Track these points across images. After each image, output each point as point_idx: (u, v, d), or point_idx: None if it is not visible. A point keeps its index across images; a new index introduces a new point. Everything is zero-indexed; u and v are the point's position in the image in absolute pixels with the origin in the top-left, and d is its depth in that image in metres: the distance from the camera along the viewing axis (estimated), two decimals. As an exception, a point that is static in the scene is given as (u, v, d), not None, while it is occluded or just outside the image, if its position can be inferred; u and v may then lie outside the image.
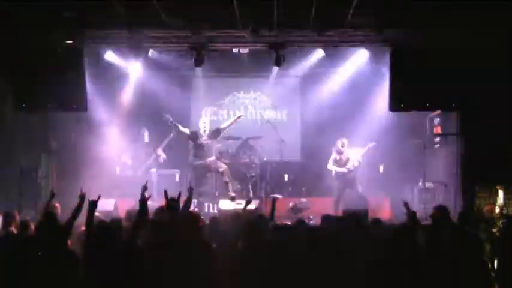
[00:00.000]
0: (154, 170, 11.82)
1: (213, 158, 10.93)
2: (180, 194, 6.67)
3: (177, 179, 12.29)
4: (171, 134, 11.75)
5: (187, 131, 10.86)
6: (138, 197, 5.86)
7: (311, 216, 10.28)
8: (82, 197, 5.81)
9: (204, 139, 10.74)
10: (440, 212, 6.30)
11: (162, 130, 11.94)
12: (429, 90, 10.02)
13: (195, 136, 10.75)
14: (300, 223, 6.41)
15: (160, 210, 6.46)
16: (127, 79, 12.70)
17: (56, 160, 12.21)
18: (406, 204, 6.20)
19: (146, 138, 11.95)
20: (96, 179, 11.67)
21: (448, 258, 5.46)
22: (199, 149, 10.73)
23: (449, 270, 5.37)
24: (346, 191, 11.15)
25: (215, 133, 10.90)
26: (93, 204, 5.47)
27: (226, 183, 10.79)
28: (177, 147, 12.74)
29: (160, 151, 11.84)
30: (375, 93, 12.37)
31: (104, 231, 5.17)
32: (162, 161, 11.90)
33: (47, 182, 12.00)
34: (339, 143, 11.19)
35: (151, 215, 6.21)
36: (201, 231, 5.73)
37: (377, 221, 6.53)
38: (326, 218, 6.62)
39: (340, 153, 11.19)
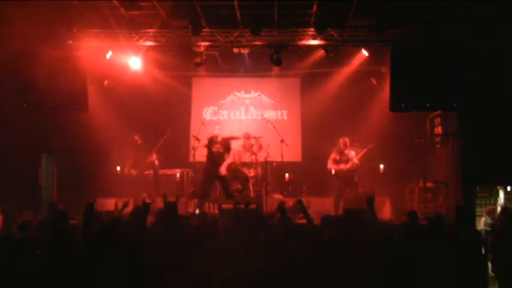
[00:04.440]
0: (151, 171, 11.81)
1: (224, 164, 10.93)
2: (179, 196, 6.67)
3: (178, 178, 12.28)
4: (167, 133, 11.80)
5: (205, 142, 10.95)
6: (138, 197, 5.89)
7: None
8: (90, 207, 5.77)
9: (217, 147, 10.80)
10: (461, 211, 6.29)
11: (159, 130, 12.00)
12: (429, 90, 10.02)
13: (210, 144, 10.82)
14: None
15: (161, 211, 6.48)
16: (127, 79, 12.68)
17: (57, 160, 12.21)
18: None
19: (139, 141, 11.93)
20: (96, 179, 11.74)
21: (448, 256, 5.46)
22: (213, 156, 10.77)
23: (449, 270, 5.37)
24: (347, 191, 11.12)
25: (227, 147, 10.96)
26: (91, 207, 5.50)
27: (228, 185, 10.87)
28: (177, 147, 12.77)
29: (154, 155, 11.85)
30: (375, 93, 12.37)
31: (107, 233, 5.17)
32: (157, 163, 11.92)
33: (47, 182, 12.02)
34: (341, 142, 11.13)
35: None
36: (200, 232, 5.74)
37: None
38: (326, 219, 6.61)
39: (341, 152, 11.14)
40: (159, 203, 8.53)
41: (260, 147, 12.10)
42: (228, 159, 10.93)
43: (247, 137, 12.45)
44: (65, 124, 11.91)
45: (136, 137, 11.89)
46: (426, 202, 11.05)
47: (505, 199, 9.81)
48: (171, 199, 6.53)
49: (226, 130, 13.16)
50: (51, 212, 7.89)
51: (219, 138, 10.87)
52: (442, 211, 10.39)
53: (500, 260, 6.11)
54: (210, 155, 10.81)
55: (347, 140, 11.15)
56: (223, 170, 10.77)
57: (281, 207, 6.73)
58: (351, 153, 11.11)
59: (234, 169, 11.54)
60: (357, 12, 9.74)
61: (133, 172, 11.68)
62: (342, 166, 11.06)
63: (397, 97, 10.32)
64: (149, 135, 12.18)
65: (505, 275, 6.00)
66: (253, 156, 12.19)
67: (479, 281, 5.52)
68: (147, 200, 6.54)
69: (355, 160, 11.02)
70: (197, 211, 10.38)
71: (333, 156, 11.22)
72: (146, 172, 11.82)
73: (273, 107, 13.94)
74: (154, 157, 11.91)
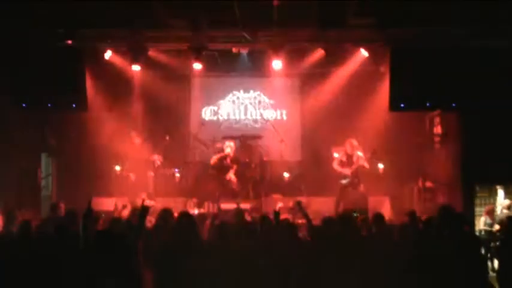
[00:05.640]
0: (151, 173, 11.79)
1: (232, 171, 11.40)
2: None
3: (177, 178, 12.27)
4: (166, 139, 11.87)
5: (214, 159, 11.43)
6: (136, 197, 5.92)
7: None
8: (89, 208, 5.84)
9: (228, 162, 11.34)
10: (444, 211, 6.27)
11: (159, 130, 12.02)
12: (429, 90, 10.04)
13: (220, 159, 11.38)
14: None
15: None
16: (127, 79, 12.68)
17: (56, 160, 12.20)
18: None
19: (136, 140, 11.92)
20: (95, 179, 11.73)
21: (447, 258, 5.47)
22: (222, 164, 11.33)
23: (448, 270, 5.38)
24: (348, 191, 11.06)
25: (237, 162, 11.50)
26: (90, 209, 5.56)
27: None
28: (177, 147, 12.76)
29: (155, 156, 11.85)
30: (374, 93, 12.36)
31: (106, 234, 5.19)
32: (159, 163, 11.91)
33: (47, 182, 12.01)
34: (348, 144, 11.07)
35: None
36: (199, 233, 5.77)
37: (379, 217, 6.60)
38: (326, 219, 6.63)
39: (347, 154, 11.05)
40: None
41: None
42: (234, 168, 11.42)
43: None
44: (65, 124, 11.92)
45: (137, 137, 11.89)
46: (426, 202, 11.04)
47: (505, 199, 9.83)
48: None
49: (225, 130, 13.24)
50: (53, 213, 7.92)
51: (231, 155, 11.43)
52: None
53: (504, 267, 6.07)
54: (220, 162, 11.31)
55: (354, 141, 11.03)
56: (230, 176, 11.24)
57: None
58: (357, 154, 10.97)
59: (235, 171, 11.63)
60: (357, 12, 9.74)
61: (133, 175, 11.64)
62: (347, 171, 10.93)
63: (397, 97, 10.34)
64: (149, 135, 12.18)
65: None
66: (253, 156, 12.21)
67: (479, 281, 5.52)
68: (146, 203, 6.60)
69: (363, 163, 10.87)
70: (196, 211, 10.41)
71: (339, 157, 11.11)
72: (147, 174, 11.80)
73: (273, 106, 13.92)
74: (155, 158, 11.89)
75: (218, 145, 11.95)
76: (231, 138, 12.37)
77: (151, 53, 11.35)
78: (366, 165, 10.85)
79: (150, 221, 6.90)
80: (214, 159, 11.43)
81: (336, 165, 11.12)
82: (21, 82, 10.37)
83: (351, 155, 10.96)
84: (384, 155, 11.62)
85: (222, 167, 11.35)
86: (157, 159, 11.81)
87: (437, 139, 12.13)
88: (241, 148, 12.45)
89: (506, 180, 9.82)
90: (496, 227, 8.66)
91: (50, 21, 9.90)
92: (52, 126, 11.87)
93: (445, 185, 11.15)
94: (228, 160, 11.41)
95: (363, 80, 12.55)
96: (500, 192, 9.99)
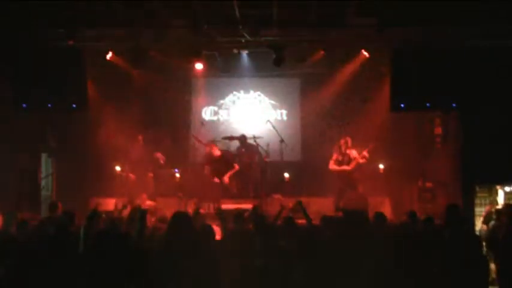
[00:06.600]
0: (151, 174, 11.79)
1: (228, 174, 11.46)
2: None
3: (177, 179, 12.27)
4: (167, 142, 11.93)
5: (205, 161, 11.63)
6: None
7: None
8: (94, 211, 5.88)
9: (219, 165, 11.44)
10: (451, 210, 6.26)
11: (159, 130, 12.03)
12: (429, 90, 10.05)
13: (212, 162, 11.43)
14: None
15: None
16: (127, 79, 12.68)
17: (56, 160, 12.20)
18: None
19: (141, 142, 11.95)
20: (96, 179, 11.73)
21: (448, 257, 5.47)
22: (215, 166, 11.41)
23: (448, 270, 5.38)
24: (346, 191, 11.09)
25: (229, 163, 11.58)
26: (95, 213, 5.57)
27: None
28: (177, 147, 12.76)
29: (159, 154, 11.86)
30: (375, 93, 12.36)
31: (106, 234, 5.19)
32: (162, 162, 11.92)
33: (47, 182, 12.01)
34: (342, 142, 11.09)
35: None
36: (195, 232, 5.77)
37: (380, 216, 6.60)
38: (326, 219, 6.63)
39: (342, 153, 11.09)
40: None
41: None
42: (231, 171, 11.49)
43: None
44: (65, 124, 11.92)
45: (139, 137, 11.90)
46: (426, 202, 11.04)
47: (505, 199, 9.83)
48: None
49: (225, 130, 13.24)
50: (52, 213, 7.92)
51: (219, 154, 11.55)
52: (441, 211, 10.39)
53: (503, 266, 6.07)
54: (213, 166, 11.42)
55: (348, 139, 11.11)
56: (226, 179, 11.32)
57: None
58: (353, 152, 11.05)
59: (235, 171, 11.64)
60: (358, 12, 9.75)
61: (132, 176, 11.64)
62: (345, 167, 11.00)
63: (397, 97, 10.35)
64: (149, 135, 12.18)
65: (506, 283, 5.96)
66: (253, 156, 12.20)
67: (480, 281, 5.52)
68: (144, 203, 6.62)
69: (365, 153, 10.91)
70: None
71: (334, 157, 11.17)
72: (148, 174, 11.80)
73: (273, 107, 13.92)
74: (158, 156, 11.90)
75: (207, 149, 11.94)
76: (231, 138, 12.37)
77: (152, 53, 11.35)
78: (363, 157, 10.90)
79: (150, 221, 6.91)
80: (205, 161, 11.44)
81: (332, 166, 11.16)
82: (21, 82, 10.37)
83: (346, 153, 11.00)
84: (382, 154, 11.64)
85: (214, 168, 11.35)
86: (160, 157, 11.82)
87: (437, 139, 12.14)
88: (241, 148, 12.44)
89: (506, 180, 9.82)
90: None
91: (51, 22, 9.91)
92: (52, 126, 11.86)
93: (445, 185, 11.15)
94: (221, 159, 11.44)
95: (363, 80, 12.54)
96: (500, 192, 9.99)
